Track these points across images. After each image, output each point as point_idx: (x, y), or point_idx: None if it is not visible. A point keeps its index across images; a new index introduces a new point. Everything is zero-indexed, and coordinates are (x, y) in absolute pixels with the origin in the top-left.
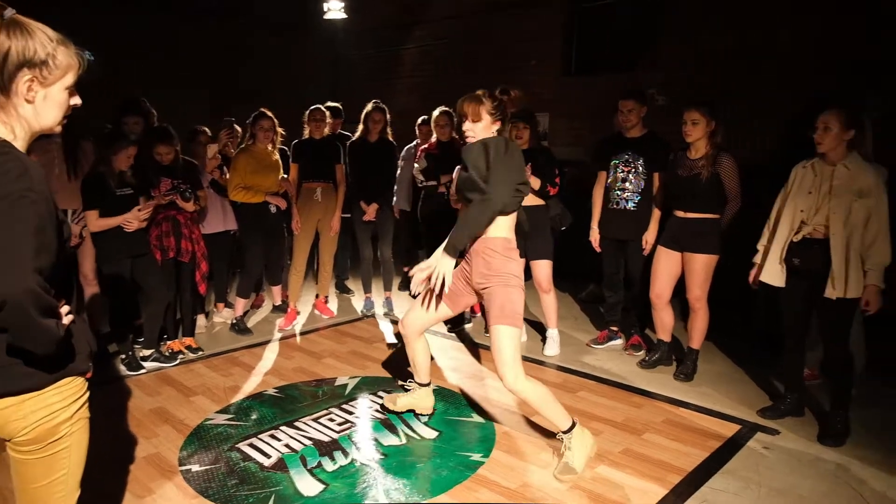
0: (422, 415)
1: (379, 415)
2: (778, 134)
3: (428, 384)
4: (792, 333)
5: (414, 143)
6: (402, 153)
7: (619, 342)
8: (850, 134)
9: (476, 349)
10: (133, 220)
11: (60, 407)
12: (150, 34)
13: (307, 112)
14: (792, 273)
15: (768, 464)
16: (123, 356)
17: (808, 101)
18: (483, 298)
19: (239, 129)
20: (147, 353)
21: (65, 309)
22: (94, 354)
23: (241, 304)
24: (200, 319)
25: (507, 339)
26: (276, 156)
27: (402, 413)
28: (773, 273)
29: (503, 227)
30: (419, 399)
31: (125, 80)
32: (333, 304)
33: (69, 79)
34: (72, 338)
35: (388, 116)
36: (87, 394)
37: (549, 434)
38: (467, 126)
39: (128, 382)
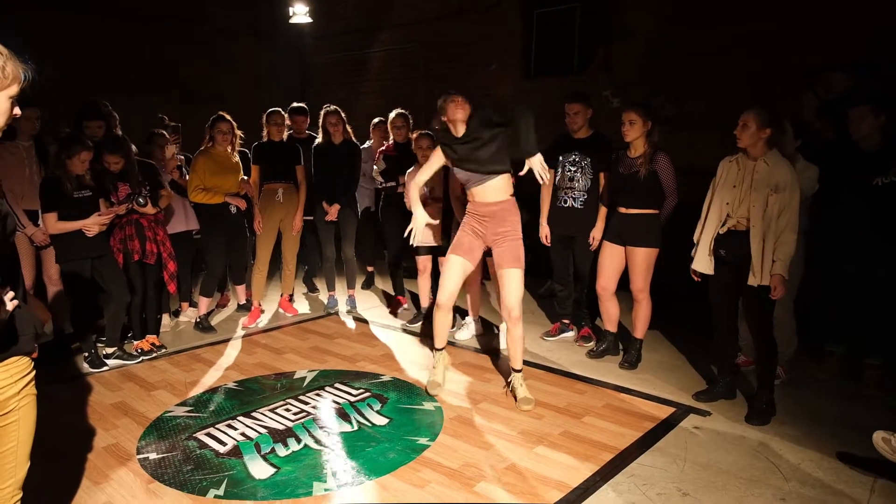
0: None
1: (334, 404)
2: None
3: (444, 347)
4: (721, 320)
5: (367, 143)
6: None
7: (570, 334)
8: (766, 132)
9: (433, 343)
10: (93, 225)
11: (8, 383)
12: (115, 39)
13: (265, 115)
14: (719, 263)
15: (697, 442)
16: (86, 354)
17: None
18: (494, 248)
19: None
20: (110, 350)
21: (9, 295)
22: (39, 336)
23: (204, 303)
24: (165, 318)
25: (521, 278)
26: (236, 158)
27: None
28: (702, 262)
29: (510, 187)
30: (446, 360)
31: (90, 85)
32: (299, 303)
33: (13, 89)
34: (17, 321)
35: (343, 116)
36: (34, 372)
37: (492, 417)
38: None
39: (90, 379)
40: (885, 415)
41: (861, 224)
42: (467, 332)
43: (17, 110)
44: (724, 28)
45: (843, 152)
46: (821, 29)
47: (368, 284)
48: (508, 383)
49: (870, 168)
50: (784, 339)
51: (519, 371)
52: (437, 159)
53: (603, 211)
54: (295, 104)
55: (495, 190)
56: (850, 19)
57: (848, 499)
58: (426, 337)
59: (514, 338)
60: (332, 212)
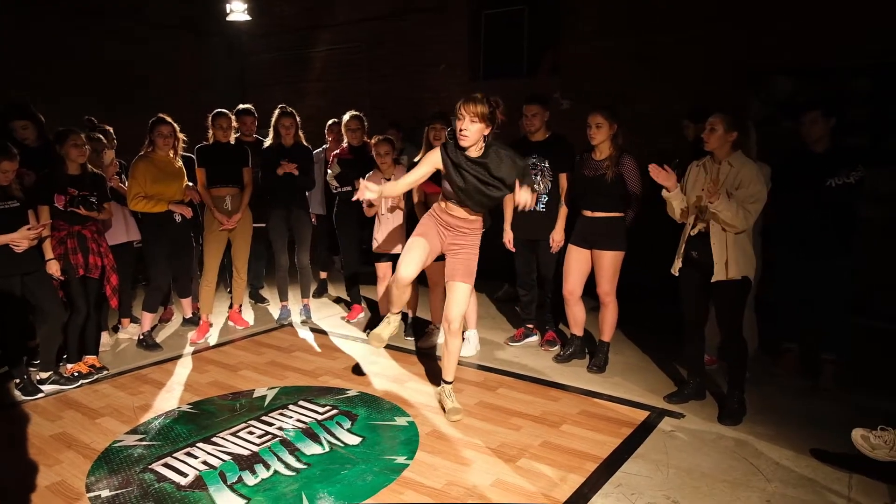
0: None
1: (300, 424)
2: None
3: (400, 312)
4: (690, 322)
5: (323, 146)
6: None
7: (535, 339)
8: (733, 135)
9: (396, 353)
10: (22, 239)
11: None
12: (41, 34)
13: (211, 116)
14: (688, 264)
15: (676, 445)
16: (18, 380)
17: (693, 106)
18: (448, 256)
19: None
20: (45, 375)
21: None
22: None
23: (148, 319)
24: (104, 337)
25: (467, 293)
26: (179, 163)
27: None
28: (675, 264)
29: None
30: (397, 323)
31: (12, 85)
32: (248, 315)
33: None
34: None
35: (297, 119)
36: None
37: (468, 431)
38: (465, 125)
39: (24, 408)
40: (847, 411)
41: (814, 224)
42: (471, 346)
43: None
44: (672, 31)
45: (796, 155)
46: (766, 33)
47: (321, 292)
48: (438, 393)
49: (821, 170)
50: (747, 337)
51: (449, 383)
52: (431, 165)
53: (563, 212)
54: (242, 105)
55: (469, 210)
56: (795, 24)
57: (830, 495)
58: (389, 347)
59: (451, 350)
60: (289, 167)
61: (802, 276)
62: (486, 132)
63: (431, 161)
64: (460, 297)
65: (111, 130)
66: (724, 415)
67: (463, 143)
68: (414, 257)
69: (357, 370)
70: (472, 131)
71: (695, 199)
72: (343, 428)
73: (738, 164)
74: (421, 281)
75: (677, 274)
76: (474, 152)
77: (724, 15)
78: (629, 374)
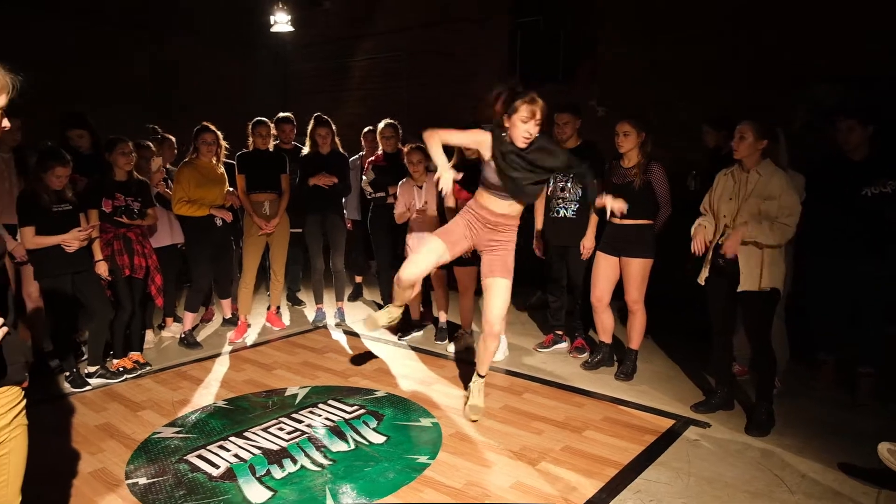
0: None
1: (328, 423)
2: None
3: (401, 306)
4: (717, 331)
5: (359, 154)
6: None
7: (564, 345)
8: (763, 143)
9: (425, 356)
10: (72, 240)
11: None
12: (96, 48)
13: (251, 125)
14: (716, 273)
15: (699, 454)
16: (68, 373)
17: (713, 112)
18: (484, 254)
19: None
20: (92, 369)
21: None
22: (29, 365)
23: (189, 319)
24: (148, 334)
25: (508, 290)
26: (221, 169)
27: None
28: (703, 274)
29: (522, 207)
30: (396, 313)
31: (69, 95)
32: (285, 316)
33: (2, 100)
34: (6, 349)
35: (333, 128)
36: (24, 402)
37: (491, 434)
38: (530, 128)
39: (72, 399)
40: (882, 423)
41: (848, 233)
42: (500, 351)
43: (5, 122)
44: (710, 40)
45: (832, 163)
46: (808, 41)
47: (356, 296)
48: (467, 388)
49: (858, 178)
50: (777, 348)
51: (482, 377)
52: (475, 140)
53: (593, 219)
54: (281, 114)
55: (510, 206)
56: (838, 32)
57: None
58: (418, 350)
59: (489, 348)
60: (325, 180)
61: (836, 285)
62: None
63: (478, 139)
64: (501, 293)
65: (173, 139)
66: (751, 425)
67: (523, 145)
68: (423, 262)
69: (386, 372)
70: (534, 133)
71: (724, 208)
72: (369, 427)
73: (768, 174)
74: (451, 286)
75: (703, 283)
76: (521, 144)
77: (766, 22)
78: (657, 383)
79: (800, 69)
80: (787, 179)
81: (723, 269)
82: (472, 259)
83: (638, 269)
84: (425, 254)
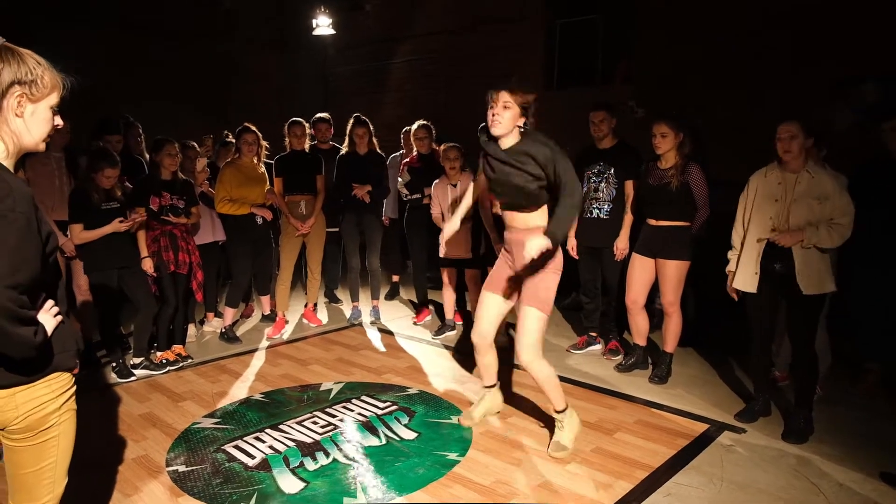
0: (497, 412)
1: (361, 417)
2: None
3: (494, 385)
4: (759, 336)
5: (399, 152)
6: (388, 161)
7: (597, 347)
8: (810, 141)
9: (458, 355)
10: (114, 231)
11: (49, 399)
12: (142, 52)
13: (287, 125)
14: (766, 277)
15: (732, 460)
16: (114, 364)
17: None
18: (524, 279)
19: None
20: (137, 361)
21: (53, 311)
22: (80, 353)
23: (229, 314)
24: (191, 329)
25: (533, 320)
26: (262, 168)
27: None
28: (746, 279)
29: (543, 217)
30: (492, 400)
31: (118, 97)
32: (322, 314)
33: (54, 98)
34: (59, 337)
35: (371, 128)
36: (74, 388)
37: (522, 434)
38: (497, 111)
39: (118, 389)
40: None
41: (893, 237)
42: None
43: (58, 120)
44: (748, 38)
45: (878, 165)
46: (851, 39)
47: (393, 295)
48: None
49: None
50: (819, 355)
51: (560, 412)
52: (475, 181)
53: (628, 220)
54: (319, 114)
55: (524, 217)
56: (879, 29)
57: None
58: (451, 349)
59: (538, 383)
60: (361, 192)
61: (882, 292)
62: (521, 121)
63: (478, 175)
64: (525, 323)
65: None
66: (789, 432)
67: (495, 131)
68: (482, 319)
69: (419, 370)
70: (505, 118)
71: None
72: (401, 423)
73: (818, 174)
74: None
75: (743, 288)
76: (510, 142)
77: (806, 21)
78: (691, 387)
79: (843, 68)
80: (836, 179)
81: (777, 272)
82: (476, 261)
83: (674, 271)
84: (481, 311)
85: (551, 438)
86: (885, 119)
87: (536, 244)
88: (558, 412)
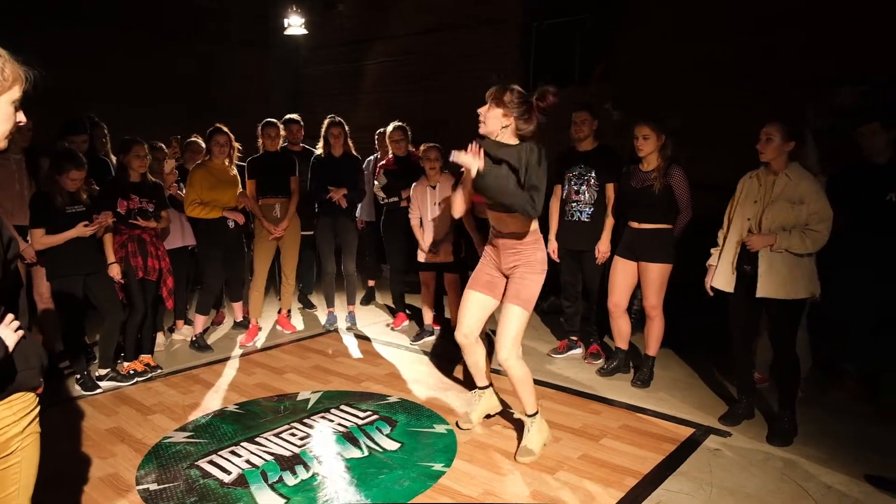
0: (495, 414)
1: (341, 428)
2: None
3: (489, 385)
4: (738, 336)
5: (374, 155)
6: (364, 164)
7: (578, 351)
8: (790, 145)
9: (438, 360)
10: (79, 236)
11: (10, 422)
12: (112, 50)
13: (260, 126)
14: (741, 279)
15: (720, 464)
16: (78, 376)
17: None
18: (508, 278)
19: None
20: (103, 372)
21: (14, 325)
22: (45, 370)
23: (200, 321)
24: (159, 337)
25: (514, 318)
26: (234, 171)
27: (477, 423)
28: (724, 279)
29: (531, 222)
30: (487, 401)
31: (86, 96)
32: (296, 320)
33: (16, 92)
34: (21, 353)
35: (346, 129)
36: (38, 409)
37: (507, 442)
38: (483, 110)
39: (83, 402)
40: None
41: (871, 239)
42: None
43: (20, 117)
44: (728, 41)
45: (855, 167)
46: (830, 41)
47: (369, 300)
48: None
49: (882, 183)
50: (800, 356)
51: (530, 416)
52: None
53: (609, 223)
54: (289, 115)
55: (507, 219)
56: (858, 33)
57: None
58: (431, 355)
59: (513, 382)
60: (338, 195)
61: (860, 293)
62: (509, 122)
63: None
64: (506, 320)
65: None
66: (773, 434)
67: (480, 129)
68: (465, 318)
69: (398, 377)
70: (489, 117)
71: (748, 210)
72: (382, 433)
73: (797, 177)
74: None
75: (721, 287)
76: (505, 142)
77: (791, 24)
78: (674, 390)
79: (822, 71)
80: (816, 184)
81: (749, 274)
82: (456, 266)
83: (657, 274)
84: (464, 309)
85: (519, 443)
86: (862, 123)
87: (464, 155)
88: (529, 416)
